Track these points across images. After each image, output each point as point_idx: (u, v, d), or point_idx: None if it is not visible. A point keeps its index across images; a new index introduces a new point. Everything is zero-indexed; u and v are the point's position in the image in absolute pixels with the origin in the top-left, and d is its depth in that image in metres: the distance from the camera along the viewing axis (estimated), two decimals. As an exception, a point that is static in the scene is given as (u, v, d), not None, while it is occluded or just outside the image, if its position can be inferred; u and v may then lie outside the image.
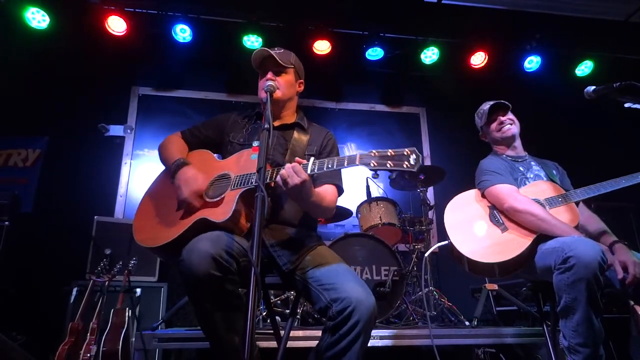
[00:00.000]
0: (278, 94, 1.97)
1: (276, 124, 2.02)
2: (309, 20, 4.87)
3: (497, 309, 3.75)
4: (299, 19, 4.86)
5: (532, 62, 5.22)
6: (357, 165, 1.52)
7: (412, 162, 1.45)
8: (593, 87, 2.04)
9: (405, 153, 1.46)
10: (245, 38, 4.73)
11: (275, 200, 1.88)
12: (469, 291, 4.17)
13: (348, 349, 1.53)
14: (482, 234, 2.23)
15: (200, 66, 5.11)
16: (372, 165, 1.48)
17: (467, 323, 3.30)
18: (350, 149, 5.23)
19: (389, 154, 1.48)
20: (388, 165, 1.47)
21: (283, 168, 1.62)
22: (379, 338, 2.69)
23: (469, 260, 2.16)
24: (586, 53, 5.29)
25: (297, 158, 1.64)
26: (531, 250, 2.09)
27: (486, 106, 2.56)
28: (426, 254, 3.21)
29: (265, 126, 1.60)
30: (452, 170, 4.03)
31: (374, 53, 5.02)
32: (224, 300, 1.54)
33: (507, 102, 2.54)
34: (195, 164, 1.88)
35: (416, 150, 1.47)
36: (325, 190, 1.88)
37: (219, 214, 1.67)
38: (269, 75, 1.98)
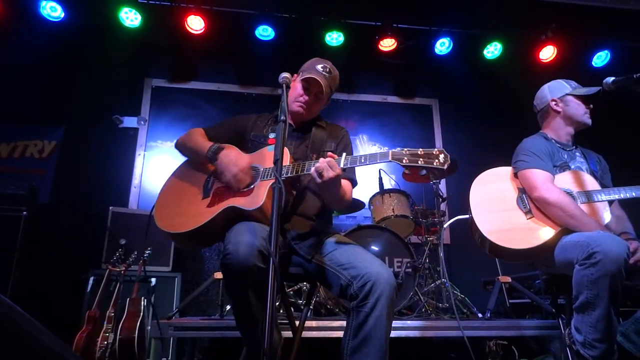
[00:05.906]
0: (307, 115, 2.07)
1: (296, 124, 2.10)
2: (321, 11, 4.83)
3: (510, 301, 3.74)
4: (311, 10, 4.82)
5: (547, 53, 5.13)
6: (390, 161, 1.58)
7: (441, 160, 1.54)
8: (612, 78, 2.00)
9: (434, 152, 1.55)
10: (257, 29, 4.73)
11: (297, 194, 1.94)
12: (480, 283, 4.16)
13: (376, 327, 1.56)
14: (506, 216, 2.16)
15: (213, 58, 5.10)
16: (404, 162, 1.55)
17: (480, 315, 3.30)
18: (362, 141, 5.20)
19: (419, 152, 1.56)
20: (420, 162, 1.55)
21: (315, 163, 1.68)
22: (408, 329, 2.74)
23: (491, 242, 2.12)
24: (603, 43, 5.18)
25: (329, 153, 1.71)
26: (553, 242, 2.05)
27: (593, 90, 2.30)
28: (445, 225, 3.21)
29: (282, 118, 1.61)
30: (464, 163, 3.99)
31: (387, 44, 4.97)
32: (263, 291, 1.57)
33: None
34: None
35: (444, 151, 1.55)
36: (344, 184, 1.92)
37: (250, 203, 1.73)
38: (307, 99, 2.03)
